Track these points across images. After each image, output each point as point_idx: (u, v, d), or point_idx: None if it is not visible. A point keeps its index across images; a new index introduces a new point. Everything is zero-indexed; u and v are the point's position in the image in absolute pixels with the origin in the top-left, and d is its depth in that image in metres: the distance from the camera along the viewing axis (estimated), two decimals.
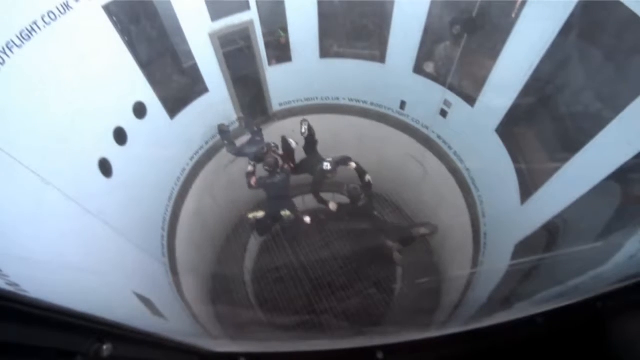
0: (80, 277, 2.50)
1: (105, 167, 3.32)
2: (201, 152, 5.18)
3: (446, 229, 5.54)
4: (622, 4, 2.53)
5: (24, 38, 2.47)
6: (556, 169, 3.31)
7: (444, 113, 4.79)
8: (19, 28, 2.45)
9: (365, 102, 5.64)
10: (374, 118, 5.70)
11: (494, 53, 3.73)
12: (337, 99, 5.73)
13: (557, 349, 1.10)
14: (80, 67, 3.03)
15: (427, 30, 4.33)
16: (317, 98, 5.73)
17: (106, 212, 3.18)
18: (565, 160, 3.18)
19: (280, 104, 5.73)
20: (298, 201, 5.88)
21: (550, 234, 3.41)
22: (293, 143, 4.84)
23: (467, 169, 4.80)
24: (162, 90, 4.17)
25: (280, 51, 5.12)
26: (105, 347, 0.85)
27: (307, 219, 4.90)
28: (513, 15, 3.45)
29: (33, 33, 2.54)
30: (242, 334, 4.17)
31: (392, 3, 4.31)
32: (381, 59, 4.97)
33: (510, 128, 3.98)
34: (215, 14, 4.28)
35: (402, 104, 5.31)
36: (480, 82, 4.07)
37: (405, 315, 5.35)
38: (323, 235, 6.36)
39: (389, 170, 6.28)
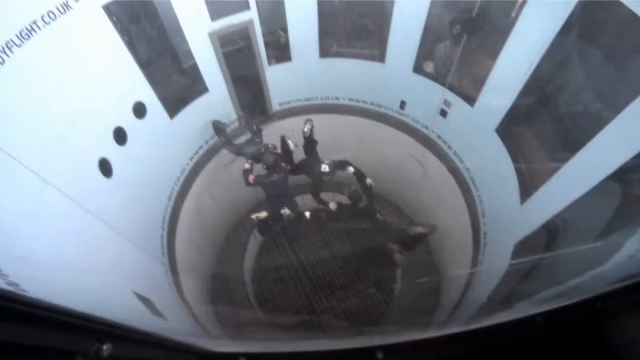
0: (80, 277, 2.50)
1: (105, 167, 3.32)
2: (201, 152, 5.18)
3: (446, 229, 5.54)
4: (622, 4, 2.53)
5: (23, 38, 2.47)
6: (556, 169, 3.31)
7: (444, 113, 4.79)
8: (18, 28, 2.45)
9: (365, 102, 5.64)
10: (374, 118, 5.70)
11: (494, 53, 3.73)
12: (337, 99, 5.73)
13: (557, 349, 1.10)
14: (80, 67, 3.03)
15: (427, 30, 4.33)
16: (317, 98, 5.73)
17: (106, 212, 3.18)
18: (565, 160, 3.18)
19: (280, 104, 5.73)
20: (298, 201, 5.88)
21: (550, 234, 3.41)
22: (292, 145, 4.84)
23: (467, 169, 4.80)
24: (162, 90, 4.17)
25: (280, 51, 5.12)
26: (105, 347, 0.85)
27: (308, 214, 4.90)
28: (513, 15, 3.45)
29: (33, 33, 2.54)
30: (242, 334, 4.17)
31: (392, 3, 4.31)
32: (381, 59, 4.97)
33: (510, 128, 3.98)
34: (215, 14, 4.28)
35: (402, 104, 5.31)
36: (480, 82, 4.08)
37: (406, 316, 5.35)
38: (323, 235, 6.36)
39: (389, 170, 6.28)
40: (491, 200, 4.47)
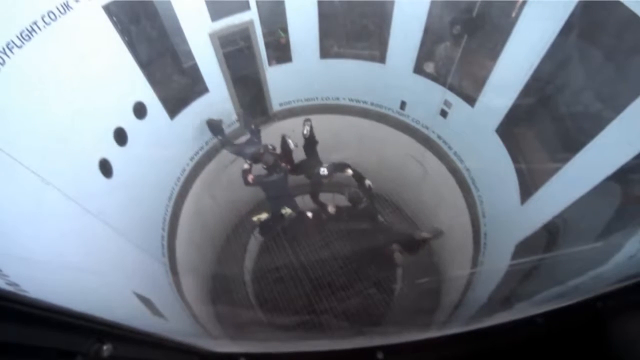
0: (80, 277, 2.50)
1: (105, 167, 3.33)
2: (201, 152, 5.19)
3: (446, 229, 5.52)
4: (622, 4, 2.53)
5: (24, 38, 2.47)
6: (556, 169, 3.31)
7: (444, 113, 4.79)
8: (19, 28, 2.45)
9: (365, 102, 5.64)
10: (374, 118, 5.70)
11: (494, 53, 3.73)
12: (337, 99, 5.73)
13: (557, 349, 1.10)
14: (80, 67, 3.03)
15: (427, 30, 4.33)
16: (317, 98, 5.73)
17: (106, 212, 3.18)
18: (565, 160, 3.18)
19: (280, 104, 5.73)
20: (298, 201, 5.87)
21: (550, 234, 3.41)
22: (292, 144, 4.84)
23: (467, 169, 4.80)
24: (162, 90, 4.17)
25: (280, 51, 5.12)
26: (105, 347, 0.85)
27: (309, 214, 4.90)
28: (513, 15, 3.45)
29: (33, 33, 2.54)
30: (242, 334, 4.17)
31: (392, 3, 4.31)
32: (381, 59, 4.97)
33: (510, 128, 3.98)
34: (215, 14, 4.28)
35: (402, 104, 5.31)
36: (480, 82, 4.07)
37: (406, 316, 5.35)
38: (323, 235, 6.36)
39: (389, 170, 6.28)
40: (491, 200, 4.47)
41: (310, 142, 4.86)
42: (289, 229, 5.98)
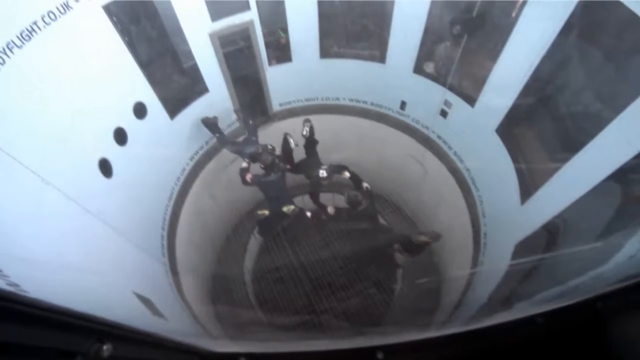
0: (80, 277, 2.50)
1: (105, 167, 3.33)
2: (201, 152, 5.19)
3: (446, 229, 5.52)
4: (622, 4, 2.53)
5: (24, 38, 2.47)
6: (556, 169, 3.31)
7: (444, 113, 4.79)
8: (19, 28, 2.45)
9: (365, 102, 5.64)
10: (374, 118, 5.70)
11: (494, 53, 3.73)
12: (337, 99, 5.73)
13: (557, 349, 1.10)
14: (80, 67, 3.03)
15: (427, 30, 4.33)
16: (317, 98, 5.73)
17: (106, 212, 3.18)
18: (565, 160, 3.18)
19: (280, 104, 5.73)
20: (298, 201, 5.87)
21: (550, 234, 3.41)
22: (292, 143, 4.84)
23: (467, 169, 4.80)
24: (162, 90, 4.17)
25: (280, 51, 5.12)
26: (105, 347, 0.85)
27: (308, 214, 4.90)
28: (513, 15, 3.45)
29: (33, 33, 2.54)
30: (242, 334, 4.16)
31: (392, 3, 4.31)
32: (381, 59, 4.97)
33: (510, 128, 3.98)
34: (215, 14, 4.28)
35: (402, 104, 5.31)
36: (480, 82, 4.07)
37: (406, 316, 5.35)
38: (323, 235, 6.36)
39: (389, 170, 6.28)
40: (491, 200, 4.47)
41: (310, 142, 4.86)
42: (289, 228, 5.99)
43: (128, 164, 3.64)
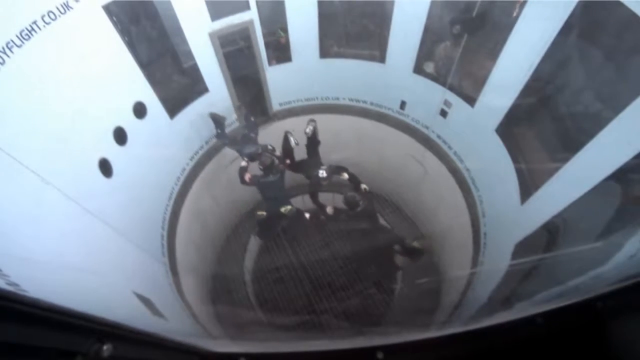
0: (80, 277, 2.50)
1: (105, 167, 3.32)
2: (201, 152, 5.19)
3: (446, 229, 5.53)
4: (622, 4, 2.53)
5: (24, 38, 2.47)
6: (556, 169, 3.31)
7: (444, 113, 4.79)
8: (19, 28, 2.45)
9: (365, 102, 5.64)
10: (373, 118, 5.70)
11: (494, 53, 3.73)
12: (337, 99, 5.73)
13: (557, 349, 1.10)
14: (80, 67, 3.03)
15: (427, 30, 4.33)
16: (317, 98, 5.73)
17: (106, 212, 3.18)
18: (565, 160, 3.18)
19: (280, 104, 5.73)
20: (298, 201, 5.88)
21: (550, 234, 3.41)
22: (293, 142, 4.84)
23: (467, 169, 4.80)
24: (162, 90, 4.17)
25: (280, 51, 5.12)
26: (105, 347, 0.85)
27: (307, 215, 4.90)
28: (513, 15, 3.45)
29: (33, 33, 2.54)
30: (242, 334, 4.17)
31: (392, 3, 4.31)
32: (381, 59, 4.97)
33: (510, 128, 3.98)
34: (215, 14, 4.28)
35: (402, 104, 5.31)
36: (480, 82, 4.07)
37: (406, 316, 5.35)
38: (323, 235, 6.36)
39: (388, 170, 6.28)
40: (491, 200, 4.47)
41: (312, 142, 4.86)
42: (288, 228, 6.00)
43: (128, 164, 3.64)
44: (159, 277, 3.98)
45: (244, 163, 4.56)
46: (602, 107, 3.03)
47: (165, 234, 4.43)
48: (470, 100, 4.32)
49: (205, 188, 5.31)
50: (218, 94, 4.95)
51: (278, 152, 4.85)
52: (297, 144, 4.86)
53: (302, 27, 4.81)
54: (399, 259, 4.58)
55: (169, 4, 3.85)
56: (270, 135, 5.23)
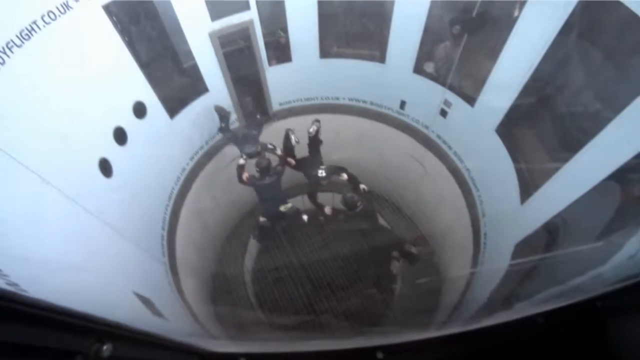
0: (80, 277, 2.50)
1: (105, 167, 3.32)
2: (201, 152, 5.18)
3: (446, 229, 5.53)
4: (622, 4, 2.53)
5: (24, 38, 2.47)
6: (556, 169, 3.31)
7: (444, 113, 4.79)
8: (19, 28, 2.45)
9: (365, 102, 5.64)
10: (373, 118, 5.70)
11: (494, 53, 3.72)
12: (337, 98, 5.73)
13: (557, 349, 1.10)
14: (80, 67, 3.03)
15: (427, 30, 4.33)
16: (317, 98, 5.73)
17: (106, 212, 3.18)
18: (565, 160, 3.18)
19: (280, 104, 5.73)
20: (297, 201, 5.88)
21: (550, 234, 3.41)
22: (293, 140, 4.83)
23: (467, 169, 4.80)
24: (162, 90, 4.17)
25: (280, 51, 5.12)
26: (105, 347, 0.85)
27: (305, 217, 4.90)
28: (513, 15, 3.45)
29: (33, 33, 2.54)
30: (242, 334, 4.16)
31: (392, 3, 4.31)
32: (381, 59, 4.97)
33: (510, 128, 3.98)
34: (215, 14, 4.28)
35: (402, 104, 5.31)
36: (480, 82, 4.07)
37: (406, 316, 5.35)
38: (323, 235, 6.36)
39: (388, 170, 6.28)
40: (491, 200, 4.47)
41: (314, 142, 4.85)
42: (288, 228, 6.00)
43: (128, 164, 3.64)
44: (159, 277, 3.98)
45: (242, 161, 4.56)
46: (602, 107, 3.03)
47: (165, 234, 4.43)
48: (470, 100, 4.32)
49: (205, 188, 5.31)
50: (218, 94, 4.94)
51: (279, 151, 4.85)
52: (297, 142, 4.86)
53: (302, 27, 4.81)
54: (396, 266, 4.57)
55: (169, 4, 3.85)
56: (270, 135, 5.22)
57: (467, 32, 4.12)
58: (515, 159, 3.93)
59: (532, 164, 3.79)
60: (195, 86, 4.72)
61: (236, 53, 4.91)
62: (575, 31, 3.06)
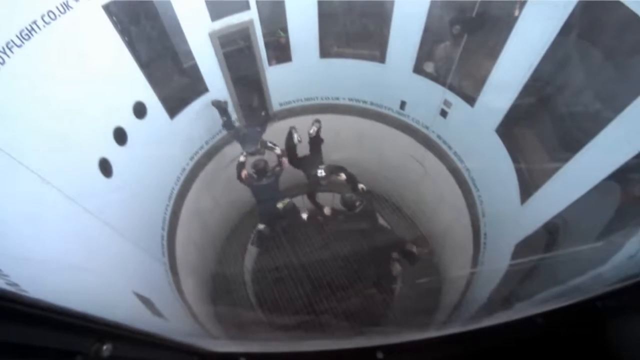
0: (80, 277, 2.50)
1: (105, 167, 3.32)
2: (201, 152, 5.19)
3: (446, 229, 5.53)
4: (622, 4, 2.53)
5: (24, 38, 2.47)
6: (556, 169, 3.31)
7: (444, 113, 4.79)
8: (19, 28, 2.45)
9: (365, 102, 5.64)
10: (373, 118, 5.70)
11: (494, 53, 3.73)
12: (337, 98, 5.73)
13: (557, 349, 1.10)
14: (80, 67, 3.03)
15: (427, 30, 4.33)
16: (317, 98, 5.73)
17: (106, 212, 3.18)
18: (565, 160, 3.18)
19: (280, 104, 5.73)
20: (297, 201, 5.87)
21: (550, 234, 3.41)
22: (296, 138, 4.82)
23: (467, 169, 4.80)
24: (162, 90, 4.17)
25: (280, 51, 5.12)
26: (105, 347, 0.85)
27: (304, 215, 4.89)
28: (514, 15, 3.45)
29: (33, 33, 2.54)
30: (242, 334, 4.16)
31: (392, 3, 4.31)
32: (381, 59, 4.97)
33: (510, 128, 3.98)
34: (215, 14, 4.28)
35: (402, 104, 5.31)
36: (480, 82, 4.07)
37: (406, 316, 5.35)
38: (323, 235, 6.36)
39: (388, 170, 6.28)
40: (491, 200, 4.47)
41: (315, 141, 4.85)
42: (288, 228, 5.99)
43: (128, 164, 3.64)
44: (159, 277, 3.98)
45: (242, 158, 4.56)
46: (602, 107, 3.03)
47: (165, 234, 4.43)
48: (470, 100, 4.32)
49: (205, 188, 5.31)
50: (218, 94, 4.94)
51: (279, 150, 4.85)
52: (300, 141, 4.85)
53: (302, 27, 4.81)
54: (396, 268, 4.58)
55: (169, 4, 3.85)
56: (270, 135, 5.22)
57: (467, 32, 4.12)
58: (515, 159, 3.93)
59: (532, 164, 3.79)
60: (195, 86, 4.72)
61: (236, 53, 4.91)
62: (575, 31, 3.07)
